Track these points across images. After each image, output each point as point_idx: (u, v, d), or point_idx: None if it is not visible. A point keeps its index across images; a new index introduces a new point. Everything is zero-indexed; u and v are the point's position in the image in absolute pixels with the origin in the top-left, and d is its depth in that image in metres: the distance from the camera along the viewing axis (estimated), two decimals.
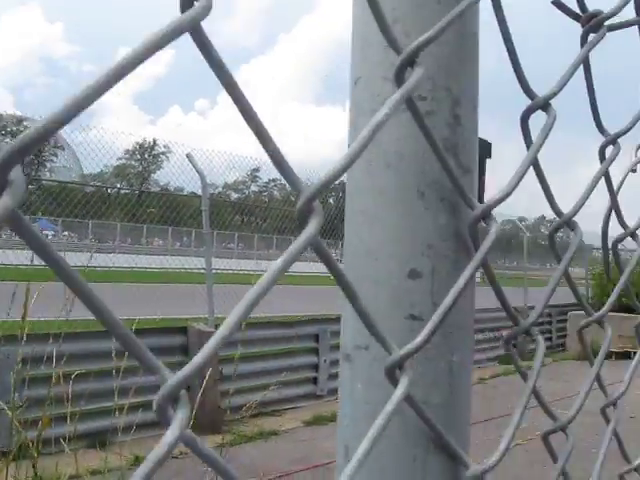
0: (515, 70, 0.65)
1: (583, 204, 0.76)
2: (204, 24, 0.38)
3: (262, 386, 9.97)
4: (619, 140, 0.85)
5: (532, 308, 0.88)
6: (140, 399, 8.33)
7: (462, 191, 0.60)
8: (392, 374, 0.53)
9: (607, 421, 0.98)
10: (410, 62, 0.52)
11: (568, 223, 0.87)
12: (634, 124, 0.86)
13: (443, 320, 0.54)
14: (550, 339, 17.20)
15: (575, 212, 0.76)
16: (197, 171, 9.78)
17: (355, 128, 0.66)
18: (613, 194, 0.91)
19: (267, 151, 0.43)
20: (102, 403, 7.61)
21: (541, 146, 0.64)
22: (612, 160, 0.84)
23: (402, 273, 0.61)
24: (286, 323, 10.93)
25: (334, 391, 10.98)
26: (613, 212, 0.95)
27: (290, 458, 7.93)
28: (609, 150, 0.86)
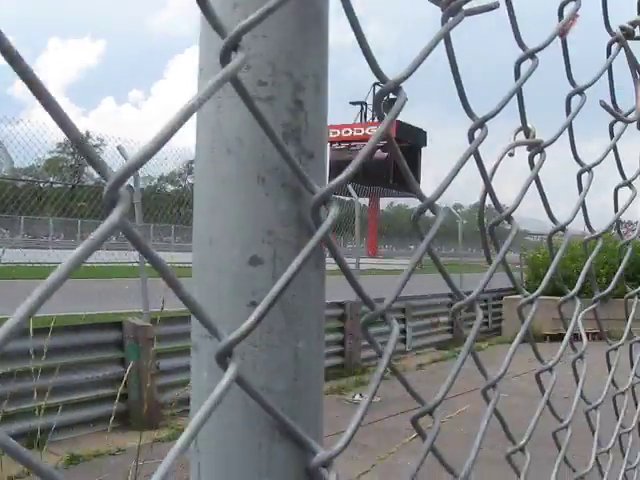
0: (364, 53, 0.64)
1: (447, 185, 0.77)
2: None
3: None
4: (487, 123, 0.86)
5: (468, 293, 0.91)
6: (76, 397, 8.25)
7: (302, 176, 0.59)
8: (222, 361, 0.52)
9: (487, 402, 1.00)
10: (234, 46, 0.52)
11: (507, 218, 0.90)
12: (501, 108, 0.87)
13: (272, 305, 0.54)
14: (486, 324, 17.51)
15: (439, 195, 0.77)
16: None
17: (199, 116, 0.65)
18: (486, 177, 0.92)
19: (72, 140, 0.42)
20: (35, 402, 7.47)
21: (388, 127, 0.63)
22: (480, 142, 0.85)
23: (243, 260, 0.61)
24: None
25: None
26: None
27: None
28: (478, 133, 0.86)
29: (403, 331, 14.48)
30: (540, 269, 17.98)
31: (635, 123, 1.43)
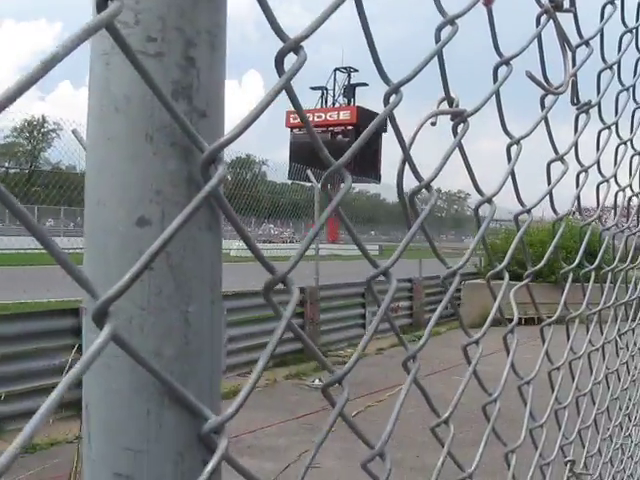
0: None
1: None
2: None
3: None
4: (402, 89, 0.85)
5: (428, 279, 0.96)
6: (32, 385, 8.14)
7: (192, 135, 0.58)
8: (99, 320, 0.50)
9: (408, 372, 1.00)
10: None
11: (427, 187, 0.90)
12: (416, 74, 0.86)
13: (147, 265, 0.52)
14: (446, 308, 17.58)
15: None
16: (83, 147, 9.45)
17: (90, 74, 0.62)
18: (404, 145, 0.91)
19: None
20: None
21: (278, 92, 0.62)
22: (395, 106, 0.84)
23: (130, 221, 0.59)
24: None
25: (232, 368, 10.98)
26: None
27: None
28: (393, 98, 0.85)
29: (363, 316, 14.55)
30: (498, 254, 18.18)
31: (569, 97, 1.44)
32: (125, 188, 0.59)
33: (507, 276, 1.33)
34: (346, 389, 0.78)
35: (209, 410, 0.60)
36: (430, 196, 0.98)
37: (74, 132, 9.62)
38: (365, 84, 64.69)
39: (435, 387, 10.01)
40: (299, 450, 7.26)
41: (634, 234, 2.26)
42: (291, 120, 62.47)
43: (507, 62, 1.11)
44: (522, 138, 1.22)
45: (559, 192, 1.47)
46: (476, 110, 1.04)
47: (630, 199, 2.12)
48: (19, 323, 8.34)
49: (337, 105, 62.67)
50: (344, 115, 58.97)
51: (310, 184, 14.48)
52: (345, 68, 64.93)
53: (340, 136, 58.61)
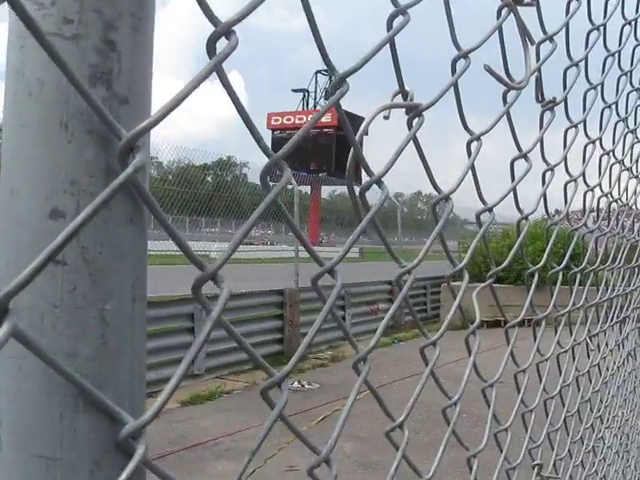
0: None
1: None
2: None
3: None
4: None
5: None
6: None
7: (109, 122, 0.54)
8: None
9: (358, 374, 0.97)
10: None
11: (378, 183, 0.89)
12: (364, 63, 0.83)
13: (50, 259, 0.48)
14: (425, 310, 17.70)
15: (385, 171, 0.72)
16: None
17: (7, 58, 0.59)
18: (355, 143, 0.88)
19: None
20: None
21: (206, 76, 0.58)
22: (342, 95, 0.82)
23: (43, 212, 0.55)
24: (160, 303, 10.74)
25: (211, 370, 10.93)
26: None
27: (166, 439, 7.81)
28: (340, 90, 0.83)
29: (342, 318, 14.53)
30: (478, 256, 18.22)
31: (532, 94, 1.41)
32: (38, 177, 0.55)
33: (467, 277, 1.31)
34: (285, 392, 0.75)
35: (127, 414, 0.56)
36: (382, 191, 0.95)
37: None
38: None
39: (413, 390, 9.94)
40: (278, 453, 7.21)
41: (604, 235, 2.25)
42: (272, 122, 62.39)
43: (465, 55, 1.08)
44: (482, 134, 1.19)
45: (529, 194, 1.45)
46: (432, 104, 1.01)
47: (599, 199, 2.10)
48: None
49: (318, 107, 62.60)
50: (325, 117, 58.84)
51: (291, 186, 14.42)
52: (326, 71, 64.63)
53: (321, 138, 58.59)
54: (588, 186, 1.93)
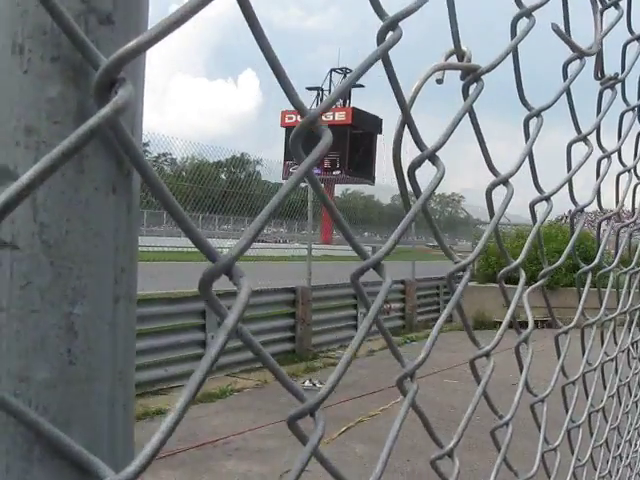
0: None
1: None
2: None
3: (148, 364, 9.69)
4: None
5: (421, 281, 0.80)
6: None
7: (83, 44, 0.37)
8: None
9: (404, 394, 0.79)
10: None
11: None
12: (418, 6, 0.66)
13: None
14: (438, 310, 17.47)
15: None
16: None
17: None
18: (404, 106, 0.71)
19: None
20: None
21: (373, 62, 0.41)
22: (391, 45, 0.65)
23: None
24: (171, 299, 10.61)
25: (222, 367, 10.79)
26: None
27: (177, 437, 7.66)
28: None
29: (354, 317, 14.37)
30: (492, 257, 18.03)
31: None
32: None
33: (524, 275, 1.13)
34: (320, 424, 0.58)
35: (105, 464, 0.39)
36: (437, 168, 0.78)
37: None
38: (361, 86, 64.50)
39: (426, 390, 9.89)
40: (289, 453, 7.06)
41: None
42: (286, 120, 62.23)
43: (529, 14, 0.91)
44: (543, 110, 1.02)
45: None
46: (493, 67, 0.84)
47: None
48: None
49: (333, 106, 62.18)
50: (339, 116, 58.59)
51: (305, 184, 14.30)
52: (341, 69, 64.61)
53: (335, 136, 58.31)
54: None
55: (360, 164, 58.11)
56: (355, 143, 57.41)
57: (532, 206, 1.15)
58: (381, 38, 0.64)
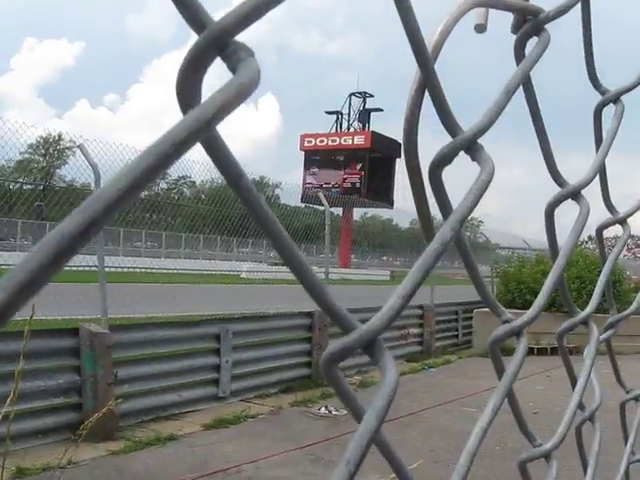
0: None
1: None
2: None
3: (160, 389, 9.61)
4: None
5: (439, 306, 0.68)
6: (26, 406, 7.84)
7: None
8: None
9: (579, 439, 0.70)
10: None
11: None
12: None
13: None
14: (457, 336, 17.29)
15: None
16: (89, 164, 9.29)
17: None
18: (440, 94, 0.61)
19: None
20: None
21: (527, 72, 0.33)
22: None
23: None
24: (185, 323, 10.56)
25: (237, 393, 10.69)
26: None
27: (188, 464, 7.59)
28: None
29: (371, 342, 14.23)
30: (511, 282, 17.84)
31: None
32: None
33: (595, 333, 0.99)
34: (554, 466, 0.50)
35: None
36: (480, 166, 0.60)
37: (80, 147, 9.44)
38: (380, 109, 64.65)
39: (444, 419, 9.71)
40: None
41: None
42: (305, 144, 62.43)
43: None
44: (621, 94, 0.85)
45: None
46: (562, 11, 0.65)
47: None
48: (15, 341, 8.07)
49: (352, 130, 62.51)
50: (359, 140, 58.67)
51: (322, 207, 14.26)
52: (360, 93, 64.86)
53: (354, 161, 58.49)
54: None
55: (379, 188, 58.10)
56: (374, 167, 57.44)
57: (600, 231, 0.99)
58: None
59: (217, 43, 0.31)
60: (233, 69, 0.31)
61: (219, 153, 0.35)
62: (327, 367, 0.37)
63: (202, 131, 0.27)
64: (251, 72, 0.30)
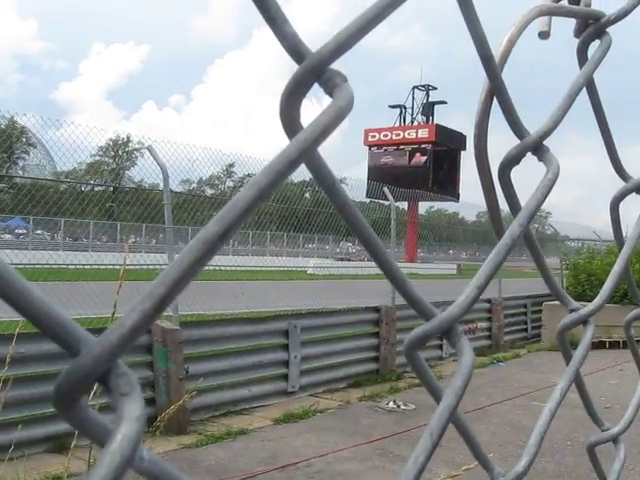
0: None
1: None
2: None
3: (230, 384, 9.78)
4: None
5: (508, 299, 0.71)
6: (104, 401, 8.05)
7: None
8: None
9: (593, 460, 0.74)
10: None
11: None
12: None
13: None
14: (525, 330, 17.07)
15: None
16: (158, 164, 9.52)
17: None
18: (502, 87, 0.65)
19: None
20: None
21: (589, 77, 0.39)
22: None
23: None
24: (254, 319, 10.71)
25: (305, 387, 10.79)
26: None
27: (258, 458, 7.70)
28: None
29: (440, 337, 14.16)
30: (582, 274, 17.54)
31: None
32: None
33: None
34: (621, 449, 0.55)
35: None
36: (546, 166, 0.64)
37: (149, 148, 9.66)
38: (444, 102, 64.11)
39: (513, 414, 9.61)
40: (370, 477, 6.97)
41: None
42: (369, 138, 62.31)
43: None
44: None
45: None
46: (625, 13, 0.65)
47: None
48: None
49: (415, 123, 62.16)
50: (422, 133, 58.31)
51: (388, 202, 14.24)
52: (424, 86, 64.41)
53: (418, 154, 58.09)
54: None
55: (444, 181, 57.64)
56: (439, 160, 57.01)
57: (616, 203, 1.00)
58: None
59: (315, 71, 0.37)
60: (330, 93, 0.37)
61: (315, 163, 0.41)
62: (409, 351, 0.42)
63: (310, 149, 0.32)
64: (347, 96, 0.36)
